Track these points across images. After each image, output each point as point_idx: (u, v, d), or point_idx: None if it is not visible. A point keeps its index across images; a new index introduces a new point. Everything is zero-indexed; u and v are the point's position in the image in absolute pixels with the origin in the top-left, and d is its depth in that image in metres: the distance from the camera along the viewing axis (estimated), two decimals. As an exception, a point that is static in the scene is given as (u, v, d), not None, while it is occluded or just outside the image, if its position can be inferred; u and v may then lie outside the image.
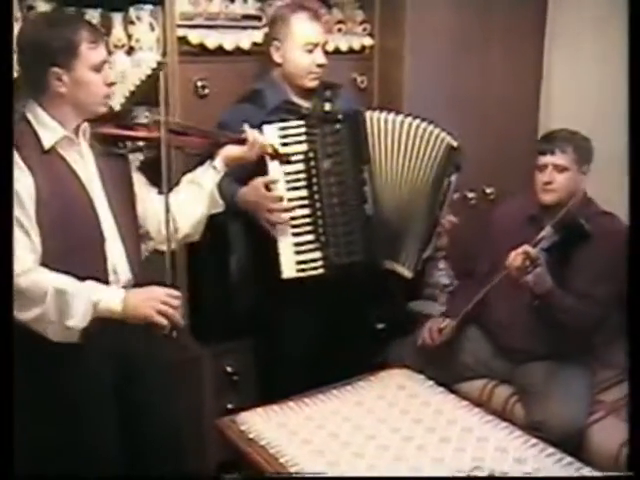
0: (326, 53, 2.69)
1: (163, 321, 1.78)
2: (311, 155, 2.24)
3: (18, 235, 1.71)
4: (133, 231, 1.97)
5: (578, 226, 2.26)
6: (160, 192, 1.96)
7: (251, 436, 2.07)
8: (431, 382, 2.36)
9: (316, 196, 2.26)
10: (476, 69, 2.97)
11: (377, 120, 2.30)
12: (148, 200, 2.03)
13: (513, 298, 2.40)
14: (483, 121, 3.01)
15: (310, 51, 2.36)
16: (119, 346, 1.89)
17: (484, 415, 2.17)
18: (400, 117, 2.31)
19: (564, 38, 3.05)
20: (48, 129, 1.80)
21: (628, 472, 1.53)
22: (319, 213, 2.27)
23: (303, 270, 2.25)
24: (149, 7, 2.35)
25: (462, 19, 2.90)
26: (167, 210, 1.83)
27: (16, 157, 1.72)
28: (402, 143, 2.30)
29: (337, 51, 2.77)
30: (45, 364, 1.82)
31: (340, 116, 2.31)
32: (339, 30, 2.81)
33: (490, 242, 2.63)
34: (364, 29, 2.84)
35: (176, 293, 1.82)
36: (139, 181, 2.05)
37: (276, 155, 2.17)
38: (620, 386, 2.48)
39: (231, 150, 2.08)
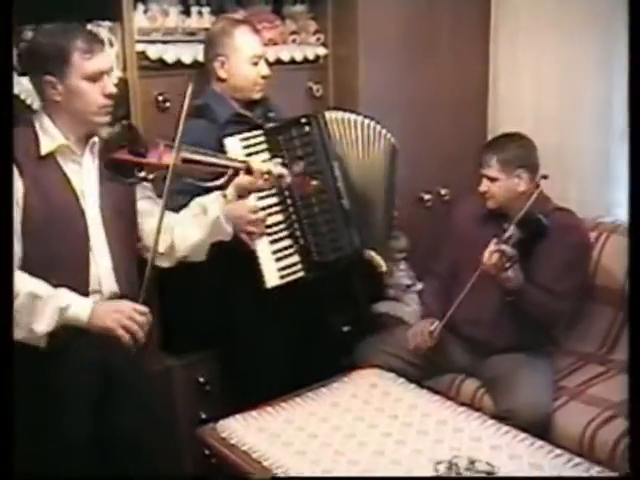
0: (281, 63, 2.79)
1: (125, 335, 1.78)
2: (277, 162, 2.28)
3: None
4: (126, 244, 1.97)
5: (537, 221, 2.37)
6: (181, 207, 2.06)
7: (233, 442, 2.10)
8: (402, 379, 2.43)
9: (288, 201, 2.32)
10: (427, 74, 3.06)
11: (336, 119, 2.45)
12: (151, 216, 2.02)
13: (480, 295, 2.47)
14: (436, 124, 3.10)
15: (256, 64, 2.41)
16: (99, 354, 1.90)
17: (456, 407, 2.25)
18: (354, 116, 2.50)
19: (506, 40, 3.16)
20: (48, 136, 1.84)
21: (628, 472, 1.59)
22: (294, 217, 2.33)
23: (285, 276, 2.30)
24: (107, 24, 2.35)
25: (411, 25, 2.98)
26: (158, 231, 1.82)
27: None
28: (359, 139, 2.48)
29: (292, 61, 2.83)
30: (21, 368, 1.80)
31: (304, 119, 2.38)
32: (293, 41, 2.86)
33: (448, 241, 2.72)
34: (318, 39, 2.90)
35: (143, 309, 1.82)
36: (145, 195, 2.05)
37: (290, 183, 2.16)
38: (580, 371, 2.60)
39: (242, 180, 2.07)
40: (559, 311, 2.48)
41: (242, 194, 2.11)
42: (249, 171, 2.05)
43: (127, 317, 1.79)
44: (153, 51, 2.45)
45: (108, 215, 1.92)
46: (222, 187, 2.07)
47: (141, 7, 2.46)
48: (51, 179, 1.83)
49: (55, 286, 1.80)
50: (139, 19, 2.44)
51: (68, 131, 1.86)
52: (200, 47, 2.53)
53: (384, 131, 2.52)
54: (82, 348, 1.86)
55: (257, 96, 2.44)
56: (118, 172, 1.88)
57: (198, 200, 2.08)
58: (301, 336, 2.56)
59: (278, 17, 2.83)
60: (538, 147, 2.59)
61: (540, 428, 2.23)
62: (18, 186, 1.76)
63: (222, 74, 2.42)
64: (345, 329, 2.90)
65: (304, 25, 2.89)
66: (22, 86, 2.22)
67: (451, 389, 2.58)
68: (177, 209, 2.09)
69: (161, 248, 2.00)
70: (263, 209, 2.27)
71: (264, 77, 2.43)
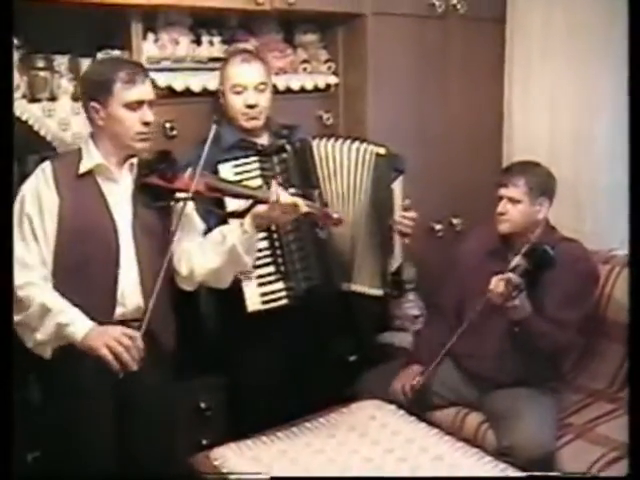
0: (291, 92, 2.81)
1: (108, 355, 1.82)
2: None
3: (32, 246, 1.91)
4: (156, 262, 1.98)
5: (543, 252, 2.32)
6: (205, 232, 2.14)
7: (224, 470, 2.09)
8: (402, 412, 2.39)
9: (273, 227, 2.30)
10: (437, 103, 3.05)
11: (322, 146, 2.39)
12: (186, 240, 2.10)
13: (484, 328, 2.44)
14: (447, 153, 3.09)
15: (238, 92, 2.40)
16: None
17: (454, 442, 2.21)
18: (339, 141, 2.41)
19: (520, 72, 3.14)
20: (89, 156, 2.00)
21: (628, 472, 1.55)
22: (277, 244, 2.33)
23: (267, 302, 2.30)
24: (116, 52, 2.41)
25: (422, 55, 2.99)
26: (166, 254, 1.93)
27: (50, 179, 1.95)
28: (343, 164, 2.39)
29: (303, 90, 2.84)
30: (37, 375, 2.01)
31: (287, 146, 2.37)
32: (304, 69, 2.88)
33: (455, 277, 2.67)
34: (328, 67, 2.92)
35: (132, 333, 1.86)
36: (187, 219, 2.10)
37: (304, 214, 2.12)
38: (588, 408, 2.54)
39: (259, 211, 2.06)
40: (563, 342, 2.41)
41: (260, 224, 2.09)
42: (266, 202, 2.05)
43: (113, 338, 1.84)
44: (161, 79, 2.48)
45: (139, 233, 2.01)
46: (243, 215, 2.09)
47: (152, 36, 2.50)
48: (87, 195, 1.97)
49: (83, 296, 1.91)
50: (149, 48, 2.49)
51: (108, 153, 2.00)
52: (210, 75, 2.56)
53: (364, 145, 2.41)
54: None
55: (248, 125, 2.42)
56: (148, 194, 2.01)
57: (220, 228, 2.12)
58: (305, 365, 2.54)
59: (289, 46, 2.86)
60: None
61: (542, 466, 2.18)
62: (55, 201, 1.93)
63: (222, 101, 2.46)
64: (351, 359, 2.90)
65: (315, 54, 2.91)
66: (31, 113, 2.29)
67: (455, 423, 2.53)
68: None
69: (184, 271, 2.10)
70: None
71: (249, 106, 2.40)
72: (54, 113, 2.31)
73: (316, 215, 2.16)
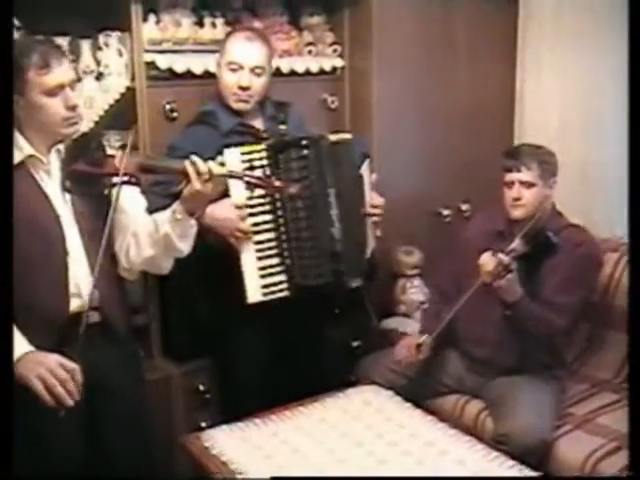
0: (295, 74, 2.78)
1: (39, 387, 1.66)
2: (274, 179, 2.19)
3: None
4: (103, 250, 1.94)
5: (545, 238, 2.27)
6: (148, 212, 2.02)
7: (214, 452, 2.09)
8: (398, 398, 2.37)
9: (281, 220, 2.28)
10: (444, 86, 3.00)
11: (337, 142, 2.35)
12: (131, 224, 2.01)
13: (484, 312, 2.40)
14: (454, 138, 3.04)
15: (233, 70, 2.34)
16: (91, 364, 1.86)
17: (448, 429, 2.18)
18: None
19: (532, 52, 3.08)
20: (18, 148, 1.86)
21: (628, 472, 1.52)
22: (284, 237, 2.29)
23: (268, 294, 2.27)
24: (117, 34, 2.41)
25: (429, 38, 2.94)
26: (101, 245, 1.79)
27: None
28: (349, 162, 2.37)
29: (308, 72, 2.81)
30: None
31: (305, 141, 2.30)
32: (309, 52, 2.86)
33: (457, 258, 2.63)
34: (334, 50, 2.88)
35: (70, 366, 1.69)
36: (126, 200, 2.00)
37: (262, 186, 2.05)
38: (592, 399, 2.49)
39: (185, 194, 1.93)
40: (558, 327, 2.35)
41: (190, 208, 1.93)
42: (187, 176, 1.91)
43: (47, 369, 1.67)
44: (162, 61, 2.48)
45: (83, 221, 1.93)
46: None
47: (153, 18, 2.50)
48: (23, 188, 1.84)
49: (35, 293, 1.82)
50: (150, 29, 2.48)
51: (36, 142, 1.88)
52: (212, 58, 2.54)
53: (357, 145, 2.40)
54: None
55: (237, 106, 2.37)
56: (79, 182, 1.88)
57: (154, 216, 2.01)
58: (307, 349, 2.53)
59: (295, 28, 2.83)
60: (563, 163, 2.51)
61: (537, 455, 2.15)
62: None
63: (217, 76, 2.41)
64: (355, 344, 2.88)
65: (321, 36, 2.88)
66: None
67: (455, 410, 2.50)
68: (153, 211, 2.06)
69: (123, 262, 2.02)
70: (255, 225, 2.25)
71: (242, 88, 2.34)
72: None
73: (255, 183, 2.01)
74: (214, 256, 2.26)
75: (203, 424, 2.54)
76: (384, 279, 2.89)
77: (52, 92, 1.83)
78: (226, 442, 2.12)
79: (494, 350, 2.44)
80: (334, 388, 2.45)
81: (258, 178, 2.04)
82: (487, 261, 2.23)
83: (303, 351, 2.51)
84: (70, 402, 1.67)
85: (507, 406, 2.29)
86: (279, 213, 2.28)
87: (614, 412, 2.38)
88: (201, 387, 2.59)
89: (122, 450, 2.04)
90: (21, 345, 1.74)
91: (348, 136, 2.44)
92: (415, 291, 2.93)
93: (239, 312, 2.38)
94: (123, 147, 1.96)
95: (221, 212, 2.21)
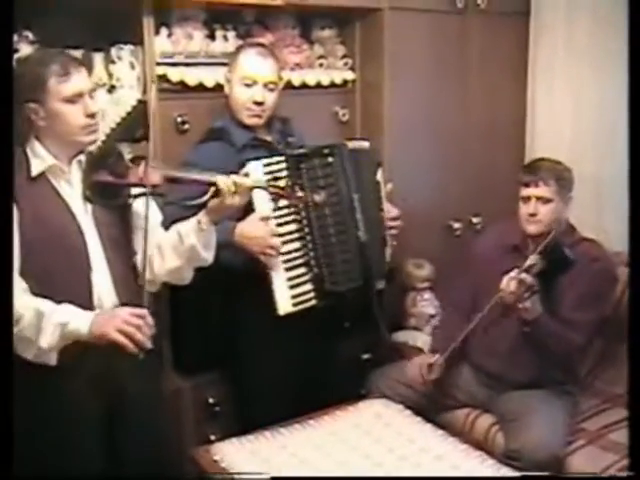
0: (308, 87, 2.79)
1: (121, 338, 1.76)
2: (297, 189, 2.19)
3: None
4: (124, 260, 1.99)
5: (561, 254, 2.25)
6: (165, 227, 2.05)
7: (223, 465, 2.08)
8: (408, 411, 2.35)
9: (306, 229, 2.30)
10: (456, 99, 3.01)
11: (357, 150, 2.41)
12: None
13: (499, 327, 2.39)
14: (465, 151, 3.04)
15: (248, 85, 2.35)
16: (105, 374, 1.92)
17: (458, 444, 2.16)
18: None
19: (544, 66, 3.08)
20: (38, 158, 1.88)
21: (628, 472, 1.50)
22: (310, 245, 2.31)
23: (297, 304, 2.28)
24: (129, 47, 2.43)
25: (441, 51, 2.95)
26: (145, 255, 1.85)
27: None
28: (371, 168, 2.45)
29: (319, 85, 2.82)
30: (28, 387, 1.85)
31: (327, 150, 2.34)
32: (321, 65, 2.86)
33: (471, 272, 2.62)
34: (345, 63, 2.89)
35: (140, 312, 1.79)
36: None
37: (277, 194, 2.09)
38: (604, 414, 2.46)
39: (212, 205, 1.99)
40: (576, 344, 2.33)
41: (216, 218, 2.00)
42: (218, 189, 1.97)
43: (123, 321, 1.77)
44: (174, 74, 2.50)
45: (105, 232, 1.94)
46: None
47: (165, 31, 2.52)
48: (45, 199, 1.87)
49: (58, 303, 1.83)
50: (162, 42, 2.50)
51: (57, 152, 1.90)
52: (223, 71, 2.54)
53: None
54: (90, 365, 1.88)
55: (250, 122, 2.37)
56: (101, 193, 1.90)
57: (177, 227, 2.04)
58: (317, 362, 2.52)
59: (306, 41, 2.84)
60: (575, 177, 2.49)
61: (549, 471, 2.12)
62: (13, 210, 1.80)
63: (227, 92, 2.42)
64: (365, 357, 2.87)
65: (332, 49, 2.88)
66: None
67: (466, 424, 2.48)
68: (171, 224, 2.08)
69: (148, 275, 2.00)
70: (281, 235, 2.26)
71: (257, 103, 2.35)
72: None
73: (280, 194, 2.08)
74: (230, 270, 2.25)
75: (212, 437, 2.54)
76: (394, 292, 2.89)
77: (72, 100, 1.87)
78: (235, 455, 2.11)
79: (507, 364, 2.43)
80: (344, 401, 2.44)
81: (283, 189, 2.08)
82: (509, 283, 2.20)
83: (313, 364, 2.50)
84: (149, 345, 1.78)
85: (519, 421, 2.27)
86: (304, 222, 2.31)
87: (627, 428, 2.35)
88: (211, 400, 2.58)
89: (135, 460, 2.04)
90: (83, 314, 1.82)
91: (365, 143, 2.49)
92: (425, 304, 2.92)
93: (251, 326, 2.39)
94: (135, 159, 1.99)
95: (250, 230, 2.22)
